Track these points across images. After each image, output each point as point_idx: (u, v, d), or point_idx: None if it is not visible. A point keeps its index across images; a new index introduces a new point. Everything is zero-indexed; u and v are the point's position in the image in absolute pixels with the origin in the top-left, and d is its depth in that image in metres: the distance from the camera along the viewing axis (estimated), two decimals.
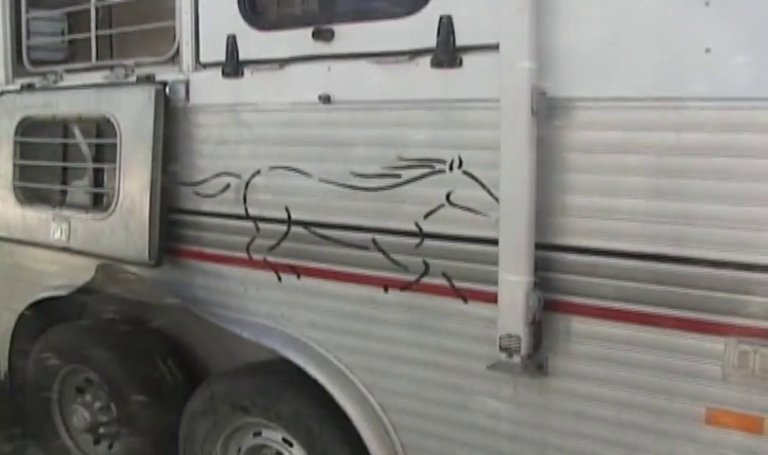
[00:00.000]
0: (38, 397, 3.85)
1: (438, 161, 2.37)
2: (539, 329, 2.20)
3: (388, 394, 2.64)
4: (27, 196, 3.64)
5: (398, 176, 2.46)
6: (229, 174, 2.93)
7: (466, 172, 2.31)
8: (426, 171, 2.40)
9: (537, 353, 2.23)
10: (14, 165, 3.65)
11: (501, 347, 2.24)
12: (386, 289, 2.56)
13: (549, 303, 2.21)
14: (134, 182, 3.10)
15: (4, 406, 4.56)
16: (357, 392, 2.69)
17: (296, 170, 2.72)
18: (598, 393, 2.19)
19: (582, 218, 2.13)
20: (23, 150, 3.63)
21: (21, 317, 3.86)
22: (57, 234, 3.47)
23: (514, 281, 2.18)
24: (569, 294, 2.19)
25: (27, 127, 3.60)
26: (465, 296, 2.38)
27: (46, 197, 3.57)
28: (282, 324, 2.88)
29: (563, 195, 2.15)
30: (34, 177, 3.60)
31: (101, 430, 3.65)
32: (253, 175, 2.85)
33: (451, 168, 2.34)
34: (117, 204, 3.18)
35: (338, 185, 2.61)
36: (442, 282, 2.43)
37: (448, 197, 2.36)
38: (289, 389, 2.84)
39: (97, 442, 3.78)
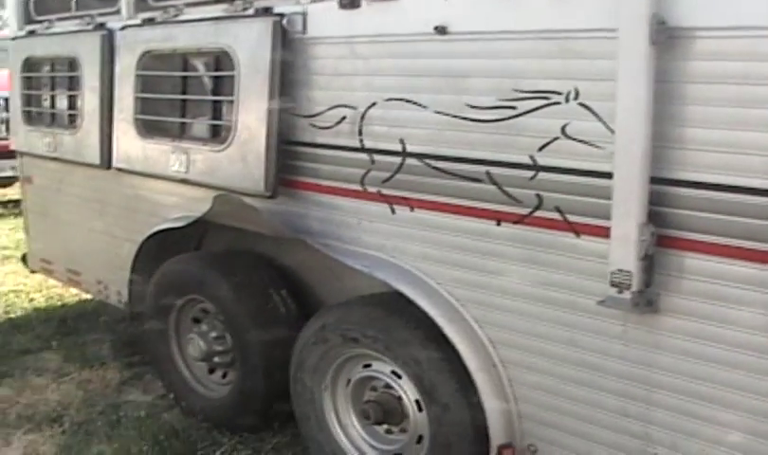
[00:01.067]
0: (156, 326, 4.24)
1: (554, 93, 2.51)
2: (650, 264, 2.34)
3: (497, 328, 2.83)
4: (148, 129, 3.99)
5: (514, 108, 2.62)
6: (345, 106, 3.16)
7: (582, 104, 2.44)
8: (542, 102, 2.55)
9: (648, 289, 2.37)
10: (136, 98, 3.99)
11: (612, 282, 2.39)
12: (498, 222, 2.74)
13: (662, 239, 2.34)
14: (251, 114, 3.38)
15: (124, 333, 5.04)
16: (467, 326, 2.89)
17: (411, 101, 2.92)
18: (711, 333, 2.31)
19: (700, 151, 2.23)
20: (144, 83, 3.96)
21: (141, 247, 4.24)
22: (176, 166, 3.80)
23: (627, 214, 2.31)
24: (683, 229, 2.30)
25: (148, 61, 3.94)
26: (577, 230, 2.53)
27: (166, 130, 3.90)
28: (394, 257, 3.11)
29: (681, 128, 2.26)
30: (155, 110, 3.94)
31: (216, 360, 4.00)
32: (369, 107, 3.07)
33: (567, 99, 2.48)
34: (234, 136, 3.47)
35: (454, 117, 2.79)
36: (554, 215, 2.58)
37: (563, 129, 2.50)
38: (399, 321, 3.08)
39: (211, 371, 4.14)
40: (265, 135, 3.33)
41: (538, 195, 2.62)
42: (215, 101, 3.63)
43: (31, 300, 6.14)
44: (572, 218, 2.54)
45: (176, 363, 4.24)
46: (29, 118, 4.97)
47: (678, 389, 2.40)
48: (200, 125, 3.74)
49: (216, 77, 3.60)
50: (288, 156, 3.40)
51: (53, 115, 4.77)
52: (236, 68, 3.42)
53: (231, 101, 3.47)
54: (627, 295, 2.36)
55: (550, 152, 2.56)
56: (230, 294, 3.77)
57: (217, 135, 3.62)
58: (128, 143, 4.11)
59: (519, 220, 2.68)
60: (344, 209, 3.26)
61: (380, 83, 3.03)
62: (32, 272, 5.67)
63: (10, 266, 6.80)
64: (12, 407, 4.31)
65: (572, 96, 2.47)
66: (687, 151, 2.27)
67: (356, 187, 3.18)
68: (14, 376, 4.70)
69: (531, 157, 2.60)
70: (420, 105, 2.89)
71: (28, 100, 4.93)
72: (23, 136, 5.04)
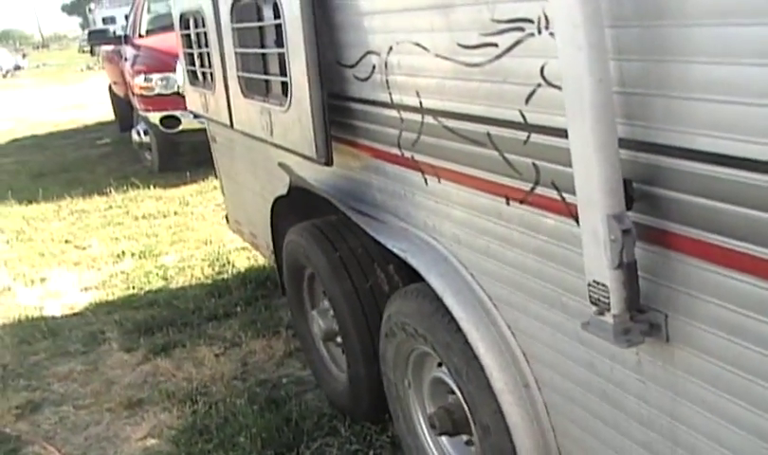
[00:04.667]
0: (293, 297, 4.06)
1: (526, 21, 1.83)
2: (632, 275, 1.61)
3: (528, 338, 2.22)
4: (247, 87, 3.75)
5: (495, 45, 1.97)
6: (373, 53, 2.66)
7: (553, 35, 1.74)
8: (518, 35, 1.87)
9: (641, 310, 1.64)
10: (235, 53, 3.76)
11: (590, 298, 1.69)
12: (507, 201, 2.11)
13: (664, 237, 1.60)
14: (297, 67, 2.99)
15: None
16: (497, 331, 2.31)
17: (417, 44, 2.35)
18: (737, 386, 1.53)
19: (708, 102, 1.44)
20: (237, 37, 3.71)
21: (273, 207, 4.07)
22: (261, 128, 3.53)
23: (588, 200, 1.61)
24: (695, 225, 1.54)
25: (239, 10, 3.67)
26: (576, 215, 1.84)
27: (256, 88, 3.64)
28: (433, 237, 2.58)
29: (671, 61, 1.48)
30: (248, 66, 3.69)
31: (338, 340, 3.72)
32: (389, 53, 2.54)
33: (539, 30, 1.79)
34: (291, 93, 3.11)
35: (449, 60, 2.19)
36: (553, 193, 1.91)
37: (542, 72, 1.82)
38: (443, 319, 2.55)
39: (344, 351, 3.86)
40: (307, 90, 2.92)
41: (534, 166, 1.95)
42: (280, 55, 3.27)
43: (241, 259, 6.31)
44: (570, 198, 1.85)
45: (314, 338, 4.02)
46: (192, 78, 4.98)
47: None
48: (275, 82, 3.42)
49: (277, 26, 3.23)
50: (343, 114, 2.97)
51: (204, 74, 4.72)
52: (282, 14, 3.04)
53: (283, 54, 3.10)
54: (608, 318, 1.65)
55: (536, 105, 1.88)
56: (328, 269, 3.43)
57: (284, 93, 3.28)
58: (237, 102, 3.92)
59: (523, 198, 2.04)
60: (394, 178, 2.78)
61: (393, 22, 2.49)
62: (234, 232, 5.78)
63: None
64: (167, 381, 4.42)
65: (543, 24, 1.77)
66: (684, 100, 1.49)
67: (396, 151, 2.68)
68: (186, 346, 4.81)
69: (521, 112, 1.94)
70: (424, 48, 2.31)
71: (188, 59, 4.94)
72: (189, 96, 5.08)
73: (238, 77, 3.79)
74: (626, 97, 1.58)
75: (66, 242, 7.62)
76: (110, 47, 12.27)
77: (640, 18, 1.51)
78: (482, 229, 2.28)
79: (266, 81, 3.53)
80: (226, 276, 5.98)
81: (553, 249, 1.97)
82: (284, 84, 3.24)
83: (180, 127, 9.30)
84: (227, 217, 5.76)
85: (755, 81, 1.31)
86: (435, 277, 2.48)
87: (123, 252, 6.91)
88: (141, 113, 9.78)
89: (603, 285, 1.63)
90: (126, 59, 10.51)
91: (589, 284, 1.68)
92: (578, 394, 2.04)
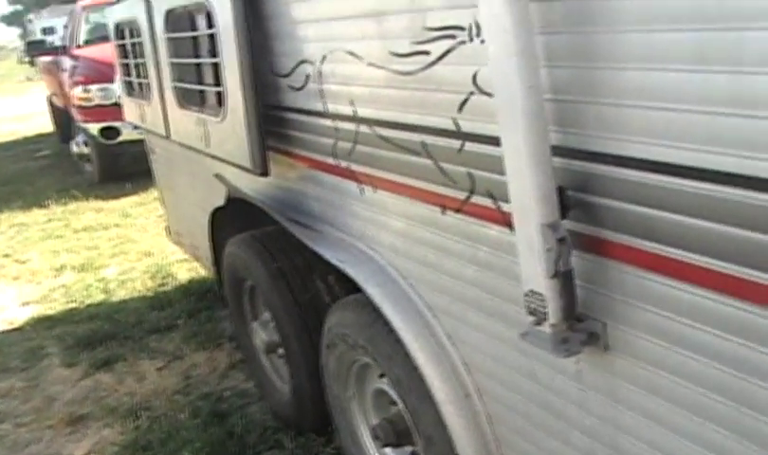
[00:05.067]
0: (234, 310, 3.98)
1: (458, 28, 1.78)
2: (569, 285, 1.57)
3: (468, 348, 2.17)
4: (182, 97, 3.66)
5: (428, 53, 1.92)
6: (307, 62, 2.59)
7: (484, 42, 1.70)
8: (450, 43, 1.83)
9: (579, 319, 1.61)
10: (170, 64, 3.67)
11: (527, 308, 1.65)
12: (443, 209, 2.07)
13: (600, 245, 1.56)
14: (231, 77, 2.91)
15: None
16: (436, 341, 2.26)
17: (350, 52, 2.29)
18: (676, 394, 1.50)
19: (647, 109, 1.40)
20: (172, 47, 3.62)
21: (212, 218, 4.00)
22: (198, 139, 3.45)
23: (522, 209, 1.57)
24: (630, 233, 1.50)
25: (173, 20, 3.58)
26: (511, 223, 1.80)
27: (190, 98, 3.55)
28: (371, 248, 2.52)
29: (605, 68, 1.45)
30: (182, 77, 3.60)
31: (280, 352, 3.65)
32: (322, 61, 2.48)
33: (471, 37, 1.75)
34: (226, 104, 3.03)
35: (382, 68, 2.14)
36: (488, 202, 1.87)
37: (474, 80, 1.78)
38: (383, 329, 2.49)
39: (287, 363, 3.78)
40: (242, 100, 2.85)
41: (469, 175, 1.91)
42: (214, 65, 3.19)
43: (182, 271, 6.19)
44: (506, 207, 1.81)
45: (256, 350, 3.94)
46: (128, 88, 4.86)
47: None
48: (210, 93, 3.33)
49: (210, 36, 3.15)
50: (278, 124, 2.90)
51: (140, 84, 4.60)
52: (215, 23, 2.96)
53: (217, 64, 3.03)
54: (546, 328, 1.62)
55: (469, 112, 1.84)
56: (267, 280, 3.36)
57: (219, 103, 3.20)
58: (173, 113, 3.83)
59: (459, 207, 1.99)
60: (330, 188, 2.72)
61: (325, 31, 2.43)
62: (174, 244, 5.66)
63: None
64: (109, 396, 4.31)
65: (474, 31, 1.73)
66: (615, 107, 1.45)
67: (332, 160, 2.62)
68: (127, 360, 4.69)
69: (454, 121, 1.90)
70: (357, 56, 2.26)
71: (122, 70, 4.82)
72: (127, 107, 4.96)
73: (173, 87, 3.70)
74: (558, 104, 1.54)
75: (5, 256, 7.42)
76: (49, 58, 12.00)
77: (570, 24, 1.47)
78: (419, 239, 2.23)
79: (201, 92, 3.44)
80: (167, 288, 5.86)
81: (490, 259, 1.93)
82: (219, 94, 3.16)
83: (120, 138, 9.12)
84: (167, 229, 5.63)
85: (686, 86, 1.28)
86: (373, 287, 2.43)
87: (63, 265, 6.74)
88: (81, 124, 9.57)
89: (540, 295, 1.59)
90: (65, 70, 10.29)
91: (525, 294, 1.64)
92: (520, 404, 2.00)
